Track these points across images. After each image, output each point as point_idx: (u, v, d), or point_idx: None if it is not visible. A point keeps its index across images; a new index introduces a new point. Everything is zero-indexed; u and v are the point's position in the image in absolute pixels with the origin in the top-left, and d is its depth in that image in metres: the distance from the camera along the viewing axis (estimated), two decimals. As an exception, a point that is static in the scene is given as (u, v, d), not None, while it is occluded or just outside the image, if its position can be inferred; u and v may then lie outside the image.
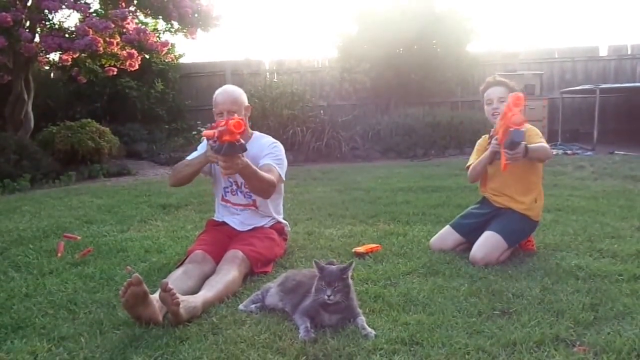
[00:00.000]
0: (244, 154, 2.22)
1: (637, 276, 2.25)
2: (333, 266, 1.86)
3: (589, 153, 7.69)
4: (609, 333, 1.71)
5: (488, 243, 2.54)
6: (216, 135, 2.14)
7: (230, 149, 2.11)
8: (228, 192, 2.74)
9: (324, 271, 1.81)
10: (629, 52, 9.99)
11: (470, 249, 2.60)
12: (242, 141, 2.14)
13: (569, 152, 7.88)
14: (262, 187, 2.47)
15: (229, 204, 2.75)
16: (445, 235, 2.81)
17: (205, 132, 2.29)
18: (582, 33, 18.20)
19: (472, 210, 2.88)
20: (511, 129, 2.35)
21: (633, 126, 9.21)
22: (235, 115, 2.49)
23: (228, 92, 2.61)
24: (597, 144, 8.06)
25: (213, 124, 2.33)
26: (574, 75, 10.04)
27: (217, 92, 2.62)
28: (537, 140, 2.57)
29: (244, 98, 2.65)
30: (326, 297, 1.77)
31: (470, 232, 2.73)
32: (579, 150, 7.98)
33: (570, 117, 9.62)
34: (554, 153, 7.75)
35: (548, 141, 9.63)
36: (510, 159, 2.41)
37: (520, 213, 2.65)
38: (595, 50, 10.06)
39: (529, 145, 2.43)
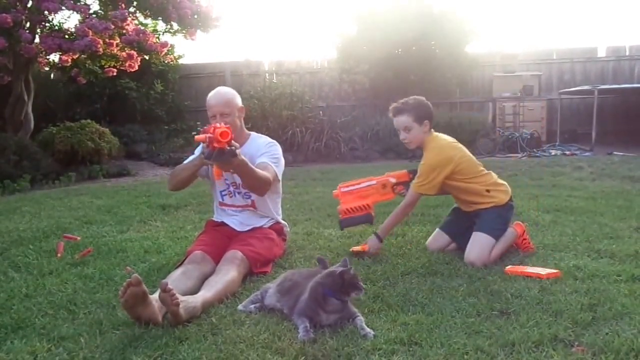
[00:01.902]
0: (240, 153, 2.25)
1: (636, 276, 2.26)
2: (344, 267, 1.87)
3: (587, 154, 7.71)
4: (607, 333, 1.72)
5: (477, 243, 2.58)
6: (207, 140, 2.21)
7: (220, 155, 2.20)
8: (225, 195, 2.73)
9: (347, 274, 1.82)
10: (627, 53, 10.02)
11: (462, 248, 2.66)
12: (232, 146, 2.20)
13: (567, 152, 7.90)
14: (257, 185, 2.47)
15: (225, 207, 2.75)
16: (437, 237, 2.86)
17: (197, 137, 2.35)
18: (581, 34, 18.27)
19: (455, 206, 2.94)
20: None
21: (631, 127, 9.23)
22: (228, 118, 2.50)
23: (220, 94, 2.60)
24: (595, 144, 8.08)
25: (205, 128, 2.36)
26: (572, 76, 10.06)
27: (210, 94, 2.60)
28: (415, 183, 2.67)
29: (237, 100, 2.63)
30: (363, 290, 1.86)
31: (457, 233, 2.78)
32: (577, 151, 7.99)
33: (569, 117, 9.64)
34: (552, 154, 7.76)
35: (547, 142, 9.53)
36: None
37: (487, 208, 2.67)
38: (594, 51, 10.08)
39: (378, 234, 2.76)
